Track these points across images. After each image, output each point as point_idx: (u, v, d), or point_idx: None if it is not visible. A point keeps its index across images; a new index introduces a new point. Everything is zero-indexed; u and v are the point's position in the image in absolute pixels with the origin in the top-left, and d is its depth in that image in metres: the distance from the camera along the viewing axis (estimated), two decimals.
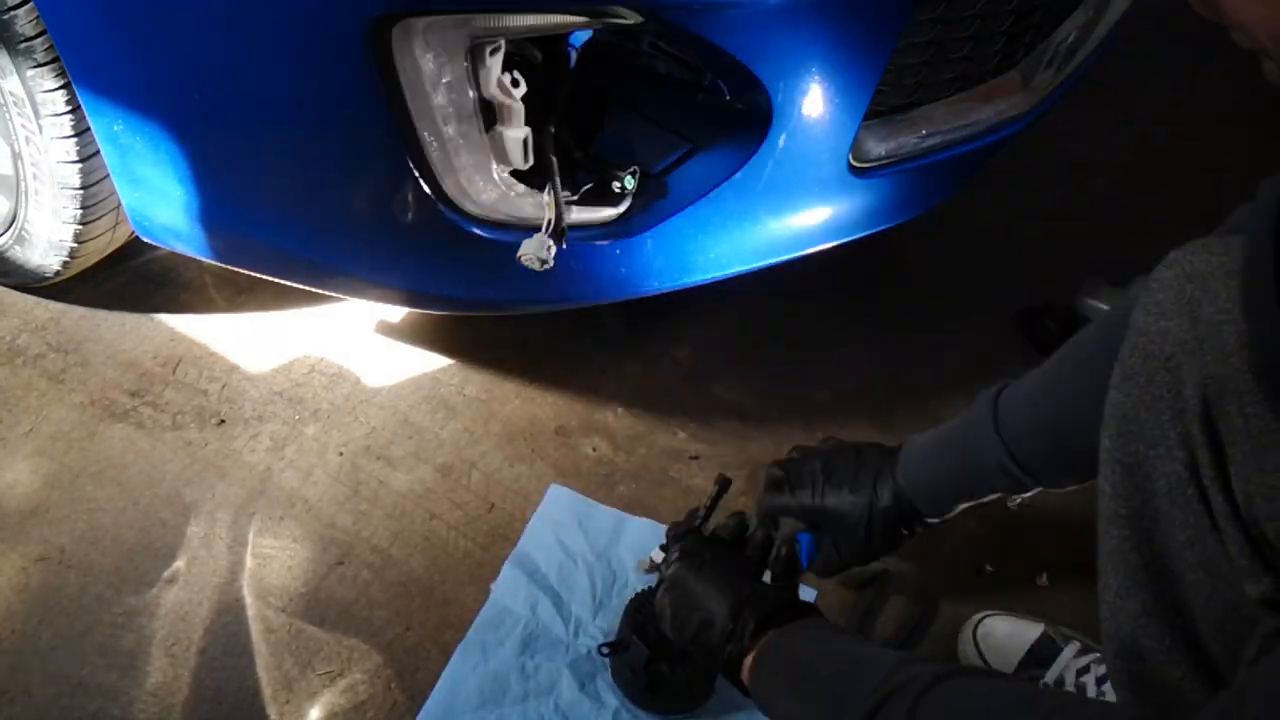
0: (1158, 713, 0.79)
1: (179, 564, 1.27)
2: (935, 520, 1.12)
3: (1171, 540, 0.76)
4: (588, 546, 1.30)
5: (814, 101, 1.18)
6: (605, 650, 1.14)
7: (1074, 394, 0.97)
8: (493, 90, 1.10)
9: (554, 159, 1.18)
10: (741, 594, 0.95)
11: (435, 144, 1.12)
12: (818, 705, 0.83)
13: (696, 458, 1.43)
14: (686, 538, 1.06)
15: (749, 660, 0.91)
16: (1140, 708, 0.81)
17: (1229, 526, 0.72)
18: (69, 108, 1.27)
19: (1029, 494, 1.05)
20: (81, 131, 1.29)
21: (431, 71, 1.07)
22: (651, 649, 1.10)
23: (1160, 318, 0.77)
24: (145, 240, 1.39)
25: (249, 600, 1.24)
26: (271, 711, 1.15)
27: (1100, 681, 1.12)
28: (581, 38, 1.23)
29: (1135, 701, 0.81)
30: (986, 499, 1.08)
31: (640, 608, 1.13)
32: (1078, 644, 1.16)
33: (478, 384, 1.51)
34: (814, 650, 0.88)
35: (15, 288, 1.57)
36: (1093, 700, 0.85)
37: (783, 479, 1.17)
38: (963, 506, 1.10)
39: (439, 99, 1.09)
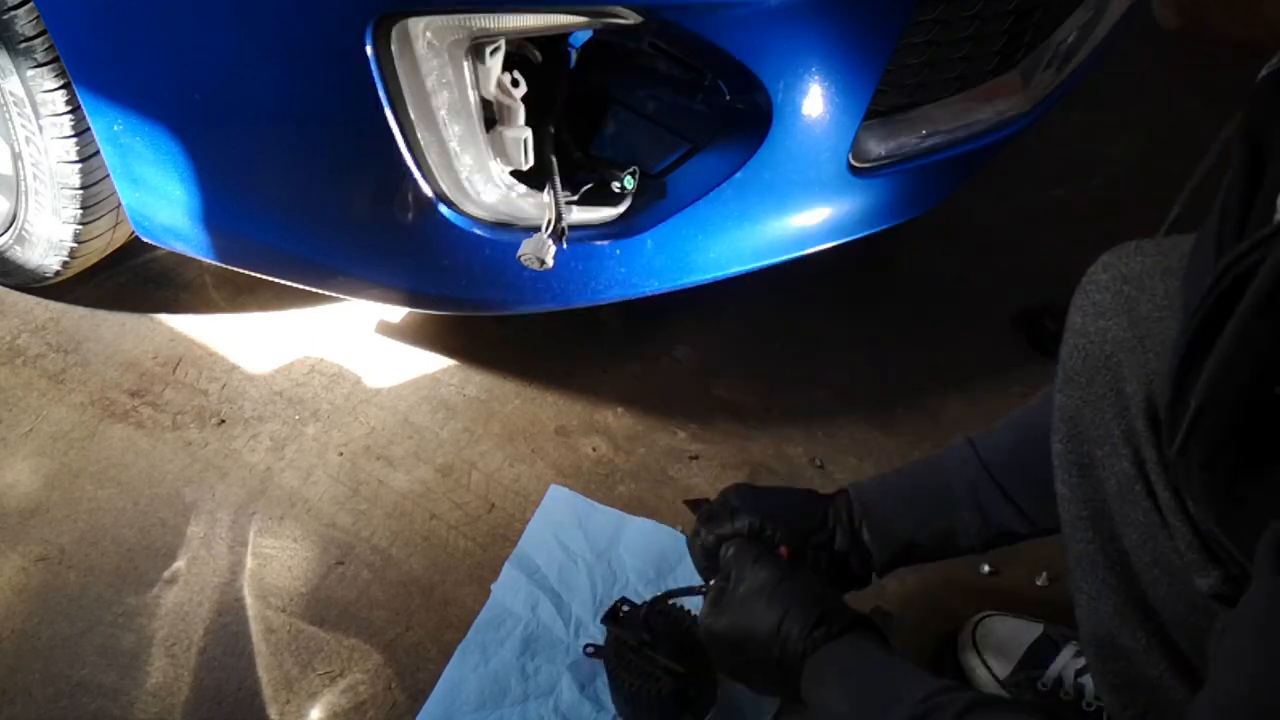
0: (1142, 713, 0.79)
1: (179, 564, 1.27)
2: (865, 581, 1.05)
3: (1127, 539, 0.77)
4: (588, 546, 1.30)
5: (814, 101, 1.18)
6: (590, 651, 1.13)
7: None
8: (493, 90, 1.10)
9: (554, 159, 1.18)
10: (814, 596, 0.91)
11: (435, 144, 1.12)
12: (860, 707, 0.83)
13: (696, 458, 1.43)
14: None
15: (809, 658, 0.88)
16: (1127, 709, 0.81)
17: (1177, 521, 0.72)
18: (69, 108, 1.27)
19: (986, 554, 1.01)
20: (81, 131, 1.29)
21: (431, 71, 1.07)
22: (627, 672, 1.07)
23: (1099, 318, 0.78)
24: (145, 240, 1.39)
25: (249, 600, 1.24)
26: (272, 711, 1.15)
27: None
28: (581, 38, 1.23)
29: (1121, 703, 0.81)
30: (934, 548, 1.03)
31: (613, 629, 1.11)
32: (1077, 644, 1.16)
33: (478, 384, 1.51)
34: (868, 655, 0.86)
35: (15, 288, 1.57)
36: None
37: (715, 510, 1.08)
38: (899, 567, 1.05)
39: (439, 99, 1.09)
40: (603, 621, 1.12)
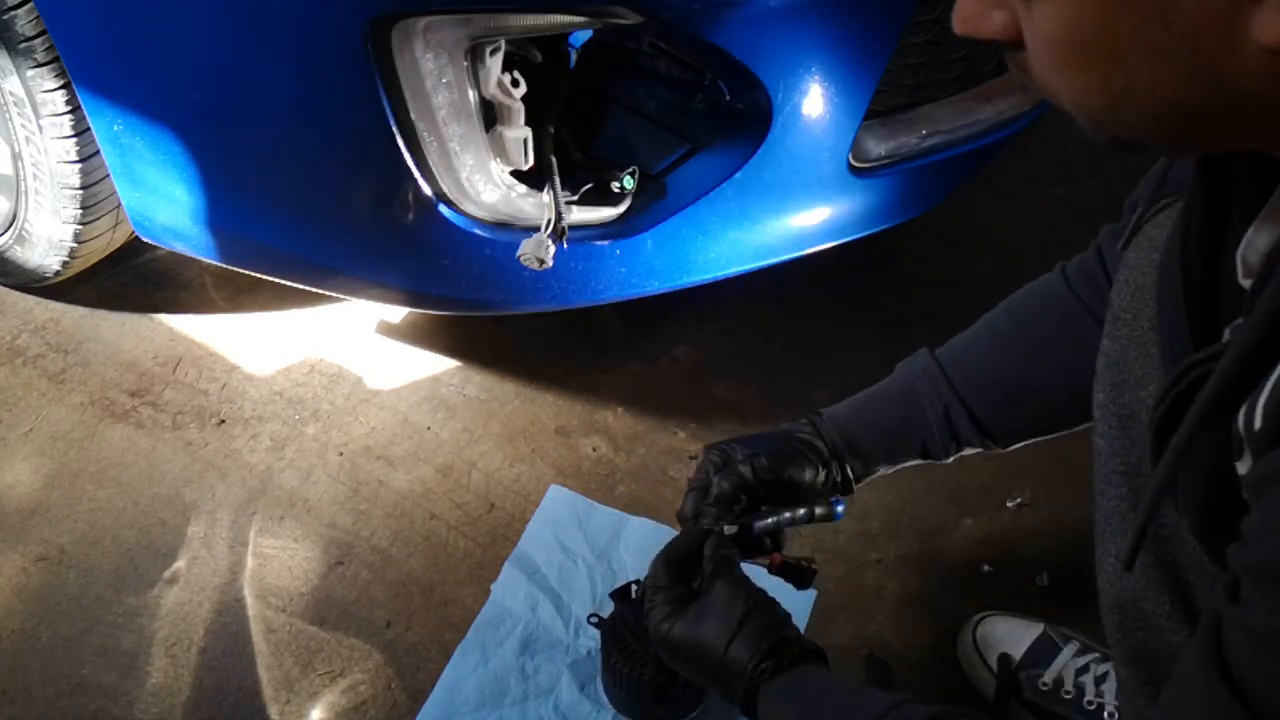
0: (1158, 689, 0.79)
1: (179, 564, 1.27)
2: (853, 483, 1.04)
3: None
4: (588, 546, 1.30)
5: (814, 101, 1.18)
6: (594, 620, 1.12)
7: (1023, 356, 0.98)
8: (493, 90, 1.10)
9: (554, 159, 1.18)
10: (767, 634, 0.91)
11: (435, 144, 1.12)
12: None
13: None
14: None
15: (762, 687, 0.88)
16: (1145, 686, 0.81)
17: None
18: (69, 108, 1.27)
19: (954, 457, 1.02)
20: (81, 131, 1.29)
21: (431, 71, 1.07)
22: (621, 655, 1.06)
23: (1153, 250, 0.77)
24: (145, 240, 1.39)
25: (249, 600, 1.24)
26: (272, 711, 1.15)
27: (1099, 681, 1.12)
28: (581, 38, 1.23)
29: (1138, 677, 0.81)
30: (908, 463, 1.04)
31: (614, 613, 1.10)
32: (1077, 644, 1.16)
33: (478, 384, 1.51)
34: (822, 683, 0.87)
35: (15, 288, 1.57)
36: None
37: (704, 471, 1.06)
38: (881, 471, 1.04)
39: (439, 99, 1.09)
40: (610, 596, 1.12)
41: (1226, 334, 0.61)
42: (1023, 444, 1.02)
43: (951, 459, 1.03)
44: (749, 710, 0.89)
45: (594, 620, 1.16)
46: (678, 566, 0.98)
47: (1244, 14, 0.46)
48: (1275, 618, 0.51)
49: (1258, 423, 0.52)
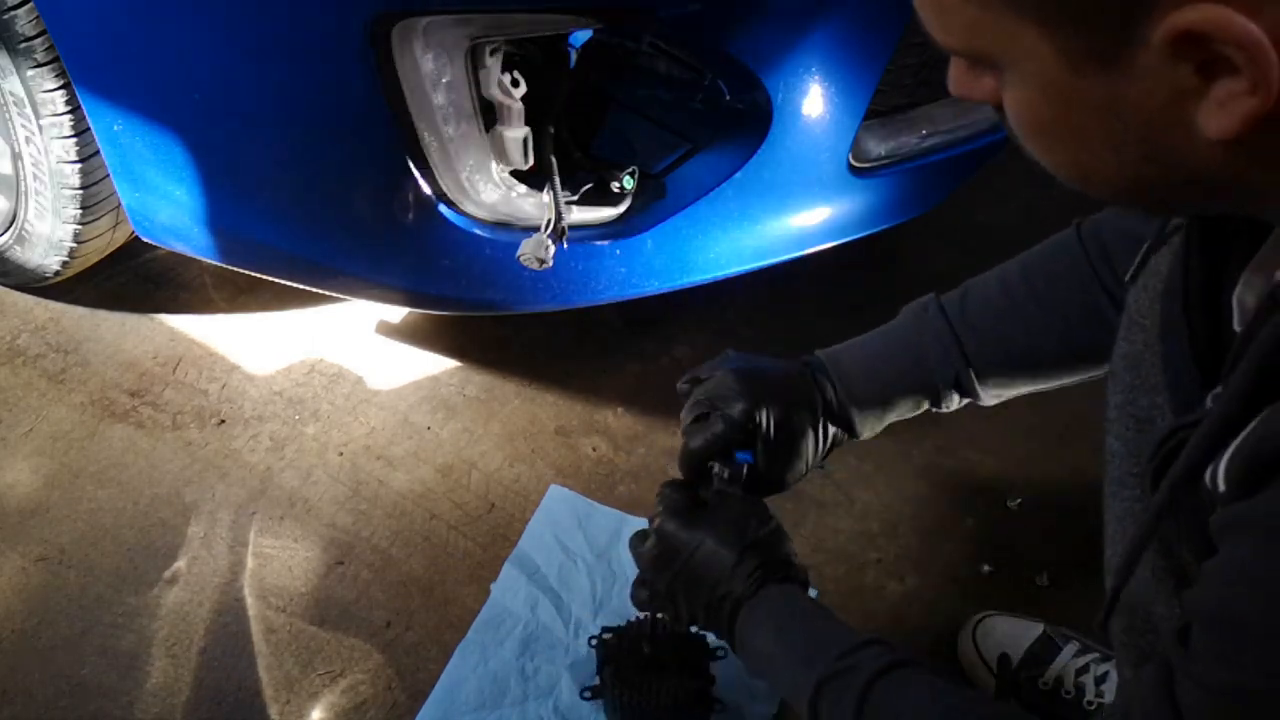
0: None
1: (179, 564, 1.27)
2: (855, 438, 1.04)
3: None
4: (588, 546, 1.30)
5: (814, 101, 1.18)
6: (588, 695, 1.13)
7: (1037, 324, 0.98)
8: (493, 90, 1.10)
9: (554, 159, 1.18)
10: (747, 540, 0.94)
11: (435, 144, 1.13)
12: (788, 653, 0.87)
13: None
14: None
15: (744, 606, 0.92)
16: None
17: None
18: (69, 108, 1.27)
19: (952, 408, 1.02)
20: (81, 131, 1.29)
21: (431, 71, 1.07)
22: (624, 686, 1.07)
23: (1172, 255, 0.77)
24: (145, 240, 1.39)
25: (249, 600, 1.24)
26: (272, 711, 1.15)
27: (1099, 681, 1.12)
28: (581, 38, 1.23)
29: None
30: (903, 416, 1.03)
31: (608, 644, 1.10)
32: (1077, 644, 1.16)
33: (478, 384, 1.51)
34: (803, 607, 0.91)
35: (15, 288, 1.57)
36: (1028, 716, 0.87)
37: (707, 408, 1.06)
38: (890, 419, 1.04)
39: (439, 99, 1.09)
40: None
41: (1209, 401, 0.63)
42: (999, 401, 1.02)
43: (948, 410, 1.02)
44: (730, 621, 0.92)
45: (594, 642, 1.14)
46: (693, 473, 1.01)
47: (1188, 107, 0.48)
48: (1223, 670, 0.53)
49: (1221, 486, 0.55)
